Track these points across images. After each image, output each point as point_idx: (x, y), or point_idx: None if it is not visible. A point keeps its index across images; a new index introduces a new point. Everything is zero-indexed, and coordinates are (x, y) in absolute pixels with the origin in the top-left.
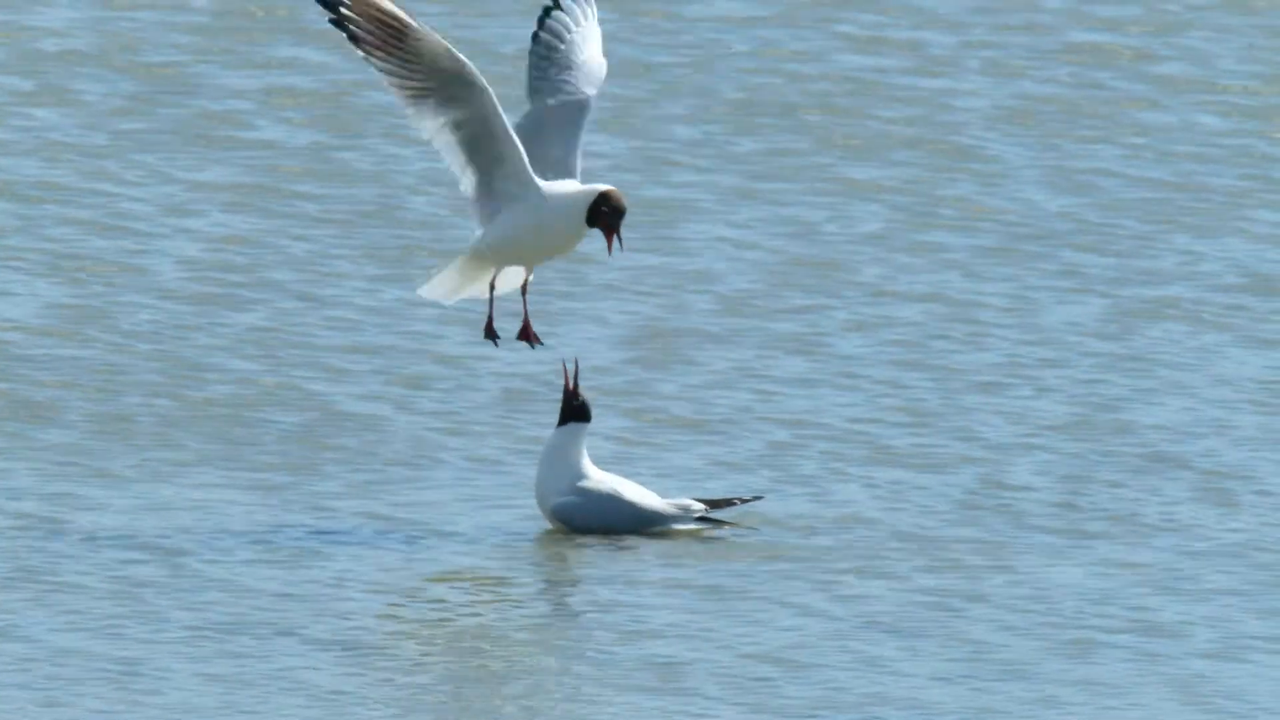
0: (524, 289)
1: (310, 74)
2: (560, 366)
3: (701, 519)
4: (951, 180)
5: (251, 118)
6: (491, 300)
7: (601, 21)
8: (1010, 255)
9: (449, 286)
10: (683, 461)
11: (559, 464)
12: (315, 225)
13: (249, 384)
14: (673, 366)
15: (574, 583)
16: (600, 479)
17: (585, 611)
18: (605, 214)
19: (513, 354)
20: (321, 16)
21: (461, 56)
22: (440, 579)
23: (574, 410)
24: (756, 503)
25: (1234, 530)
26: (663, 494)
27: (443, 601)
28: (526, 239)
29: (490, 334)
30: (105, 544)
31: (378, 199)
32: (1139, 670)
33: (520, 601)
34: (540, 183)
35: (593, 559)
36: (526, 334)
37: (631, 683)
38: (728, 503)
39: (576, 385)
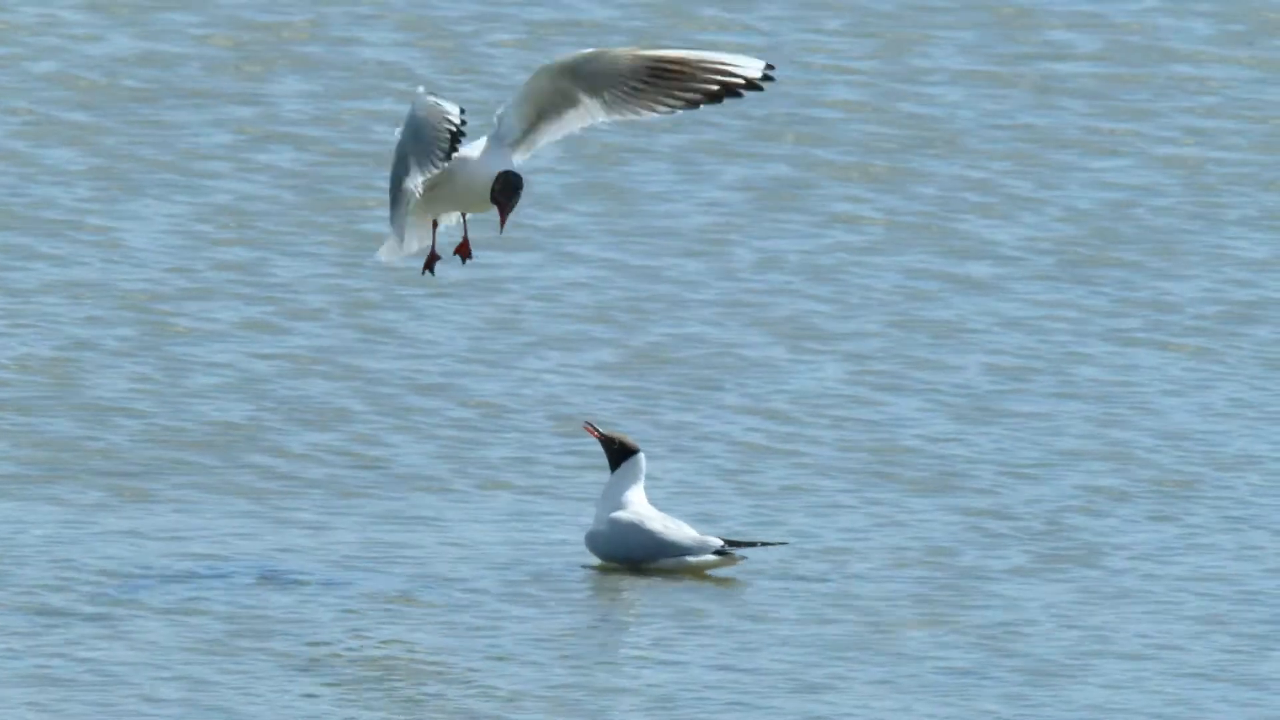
0: (464, 215)
1: (291, 105)
2: (581, 428)
3: (719, 553)
4: (942, 205)
5: (232, 150)
6: (434, 239)
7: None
8: (999, 280)
9: (400, 246)
10: (665, 485)
11: (607, 496)
12: (305, 251)
13: (236, 413)
14: (658, 395)
15: (554, 610)
16: (631, 511)
17: (561, 637)
18: (495, 193)
19: (501, 379)
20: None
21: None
22: (429, 605)
23: (617, 452)
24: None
25: (1212, 556)
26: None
27: (431, 626)
28: (448, 193)
29: (430, 266)
30: (109, 570)
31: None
32: (1113, 694)
33: (498, 629)
34: (466, 151)
35: (576, 586)
36: (463, 249)
37: (608, 707)
38: (750, 544)
39: (607, 435)
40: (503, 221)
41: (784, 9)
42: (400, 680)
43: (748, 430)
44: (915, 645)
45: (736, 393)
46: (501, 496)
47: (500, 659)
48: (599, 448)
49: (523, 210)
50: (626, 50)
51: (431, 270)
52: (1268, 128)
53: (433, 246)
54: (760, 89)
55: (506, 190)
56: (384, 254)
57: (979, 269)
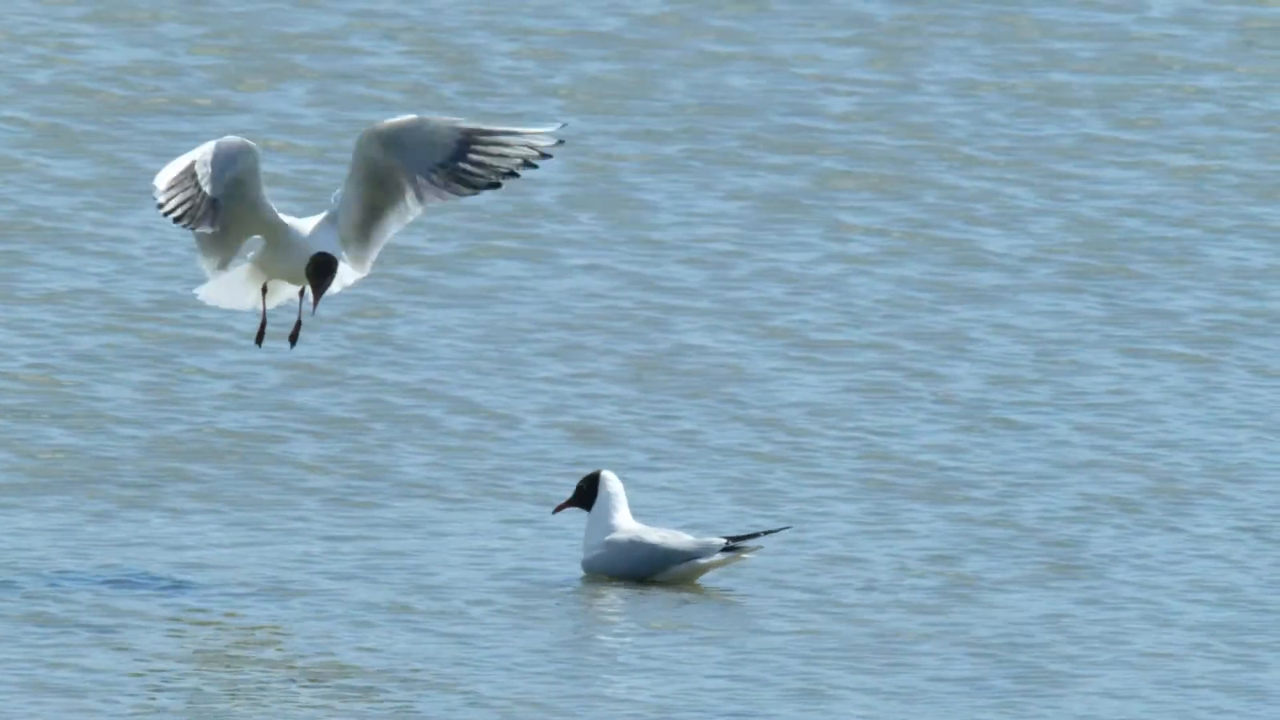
0: (300, 294)
1: (290, 114)
2: (552, 510)
3: (727, 549)
4: (942, 215)
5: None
6: (264, 314)
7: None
8: (999, 290)
9: (224, 293)
10: (661, 493)
11: (594, 524)
12: None
13: (234, 422)
14: (656, 405)
15: (550, 618)
16: (623, 531)
17: (549, 649)
18: (309, 273)
19: (499, 389)
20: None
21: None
22: (425, 614)
23: (588, 490)
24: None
25: (1212, 566)
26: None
27: (426, 635)
28: (273, 261)
29: (259, 340)
30: (107, 579)
31: None
32: (1111, 704)
33: (490, 639)
34: (300, 224)
35: (573, 595)
36: (294, 334)
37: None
38: (753, 535)
39: (575, 498)
40: (315, 301)
41: (784, 18)
42: (397, 689)
43: (745, 440)
44: (914, 654)
45: (734, 402)
46: (500, 505)
47: (496, 668)
48: (598, 452)
49: (521, 220)
50: (446, 120)
51: (259, 343)
52: (1269, 136)
53: (263, 317)
54: (550, 156)
55: (320, 272)
56: (205, 294)
57: (979, 278)
